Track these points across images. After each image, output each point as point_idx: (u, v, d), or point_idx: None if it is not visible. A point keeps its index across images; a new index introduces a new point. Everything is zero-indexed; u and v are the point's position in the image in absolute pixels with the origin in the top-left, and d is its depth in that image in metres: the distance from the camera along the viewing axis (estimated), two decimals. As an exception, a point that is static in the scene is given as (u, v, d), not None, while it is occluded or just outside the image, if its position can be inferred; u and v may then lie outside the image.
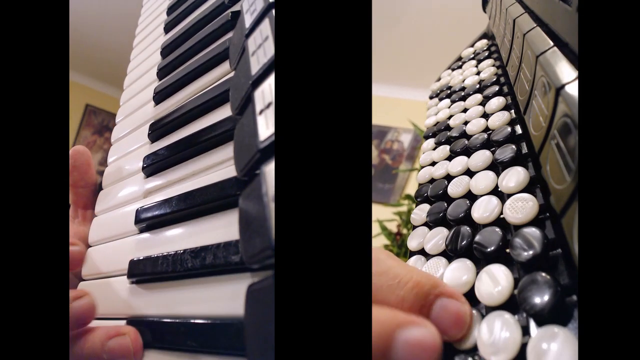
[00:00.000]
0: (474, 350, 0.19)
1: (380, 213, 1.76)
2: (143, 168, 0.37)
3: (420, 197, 0.33)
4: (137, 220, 0.34)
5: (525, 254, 0.20)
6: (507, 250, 0.22)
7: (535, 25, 0.30)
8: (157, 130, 0.39)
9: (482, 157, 0.30)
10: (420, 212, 0.31)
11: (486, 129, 0.34)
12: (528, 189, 0.24)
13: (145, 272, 0.30)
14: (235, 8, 0.39)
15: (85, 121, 2.70)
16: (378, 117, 2.24)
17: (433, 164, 0.36)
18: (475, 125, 0.35)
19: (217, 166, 0.31)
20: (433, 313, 0.19)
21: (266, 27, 0.26)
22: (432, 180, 0.34)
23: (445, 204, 0.29)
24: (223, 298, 0.24)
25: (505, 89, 0.38)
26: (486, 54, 0.49)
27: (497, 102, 0.36)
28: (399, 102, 2.33)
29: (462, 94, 0.44)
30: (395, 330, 0.17)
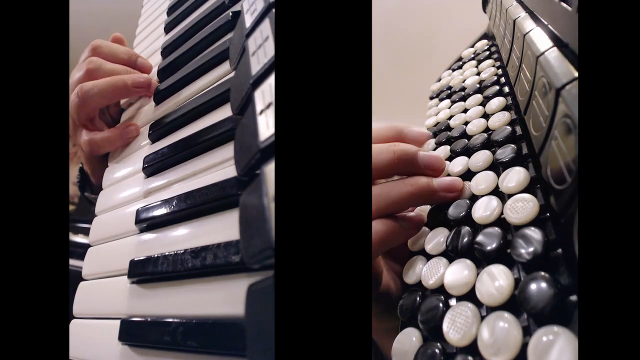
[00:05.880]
0: (474, 350, 0.19)
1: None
2: (143, 168, 0.37)
3: None
4: (138, 220, 0.34)
5: (526, 254, 0.20)
6: (508, 251, 0.22)
7: (535, 25, 0.30)
8: (158, 130, 0.39)
9: (482, 157, 0.30)
10: (421, 213, 0.31)
11: (486, 129, 0.34)
12: (528, 189, 0.24)
13: (145, 272, 0.30)
14: (236, 8, 0.40)
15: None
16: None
17: (433, 164, 0.36)
18: (476, 126, 0.35)
19: (218, 166, 0.31)
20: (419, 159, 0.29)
21: (266, 27, 0.26)
22: (432, 181, 0.34)
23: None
24: (223, 298, 0.24)
25: (505, 89, 0.38)
26: (486, 54, 0.49)
27: (498, 102, 0.36)
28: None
29: (463, 94, 0.44)
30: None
